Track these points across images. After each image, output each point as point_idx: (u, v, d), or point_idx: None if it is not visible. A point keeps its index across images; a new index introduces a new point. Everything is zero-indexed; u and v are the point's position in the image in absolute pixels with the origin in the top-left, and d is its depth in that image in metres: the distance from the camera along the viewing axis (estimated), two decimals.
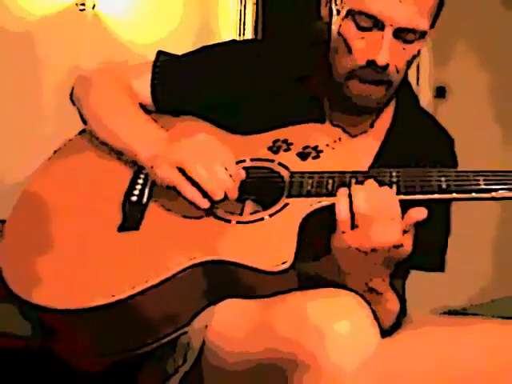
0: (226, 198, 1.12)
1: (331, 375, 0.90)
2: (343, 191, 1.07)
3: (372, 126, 1.29)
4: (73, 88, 1.36)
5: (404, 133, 1.28)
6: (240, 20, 3.23)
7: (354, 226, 1.05)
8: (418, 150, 1.24)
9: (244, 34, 3.23)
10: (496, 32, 3.32)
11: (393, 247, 1.04)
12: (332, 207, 1.08)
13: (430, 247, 1.17)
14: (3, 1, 2.64)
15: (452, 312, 2.86)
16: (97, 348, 1.09)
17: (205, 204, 1.12)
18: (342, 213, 1.06)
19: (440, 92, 3.28)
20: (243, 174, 1.15)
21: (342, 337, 0.90)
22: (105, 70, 1.40)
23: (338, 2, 1.19)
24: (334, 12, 1.21)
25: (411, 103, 1.34)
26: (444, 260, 1.28)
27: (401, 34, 1.15)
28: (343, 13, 1.17)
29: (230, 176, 1.12)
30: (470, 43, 3.39)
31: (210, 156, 1.12)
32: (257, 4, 3.26)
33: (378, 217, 1.04)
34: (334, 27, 1.21)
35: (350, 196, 1.06)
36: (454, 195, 1.07)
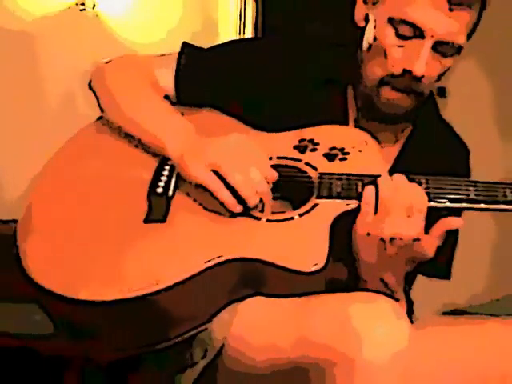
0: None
1: (365, 373, 0.89)
2: (370, 186, 1.09)
3: (397, 139, 1.30)
4: (92, 74, 1.33)
5: (422, 141, 1.29)
6: (240, 20, 3.23)
7: (376, 212, 1.06)
8: (434, 158, 1.24)
9: (244, 34, 3.22)
10: (496, 32, 3.32)
11: (412, 241, 1.05)
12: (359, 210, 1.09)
13: (438, 256, 1.17)
14: (3, 1, 2.64)
15: (452, 312, 2.86)
16: (118, 342, 1.08)
17: (238, 209, 1.10)
18: (367, 197, 1.07)
19: (440, 92, 3.28)
20: (276, 175, 1.13)
21: (382, 340, 0.90)
22: (126, 57, 1.37)
23: (378, 8, 1.19)
24: (371, 17, 1.20)
25: (432, 111, 1.34)
26: (451, 269, 1.30)
27: (439, 46, 1.15)
28: (383, 19, 1.16)
29: (265, 179, 1.11)
30: (470, 43, 3.39)
31: (246, 159, 1.11)
32: (257, 4, 3.26)
33: (402, 206, 1.05)
34: (370, 33, 1.19)
35: (376, 185, 1.07)
36: (482, 205, 1.08)
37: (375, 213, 1.06)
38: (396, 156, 1.27)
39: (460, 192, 1.09)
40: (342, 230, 1.09)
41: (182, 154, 1.13)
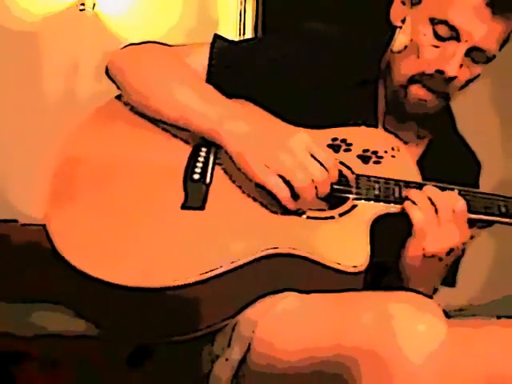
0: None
1: (404, 373, 0.89)
2: (409, 203, 1.11)
3: (420, 138, 1.31)
4: (110, 61, 1.28)
5: (439, 151, 1.30)
6: (240, 20, 3.23)
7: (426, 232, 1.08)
8: (448, 169, 1.25)
9: (244, 34, 3.23)
10: None
11: (462, 245, 1.10)
12: (399, 214, 1.11)
13: None
14: (4, 1, 2.64)
15: (458, 313, 2.85)
16: (146, 330, 1.06)
17: (294, 207, 1.09)
18: (418, 218, 1.08)
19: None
20: (337, 176, 1.11)
21: (422, 339, 0.90)
22: (150, 45, 1.32)
23: (417, 8, 1.20)
24: (409, 19, 1.20)
25: (449, 123, 1.35)
26: (456, 277, 1.32)
27: (472, 52, 1.16)
28: (422, 18, 1.17)
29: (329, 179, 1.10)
30: None
31: (315, 165, 1.08)
32: (257, 4, 3.26)
33: (448, 218, 1.08)
34: (406, 32, 1.20)
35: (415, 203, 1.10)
36: (510, 220, 1.13)
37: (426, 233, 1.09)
38: (417, 161, 1.28)
39: (493, 205, 1.13)
40: (380, 232, 1.10)
41: (243, 149, 1.08)
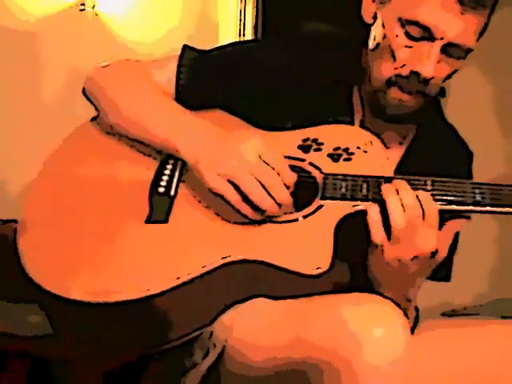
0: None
1: (366, 378, 0.88)
2: (374, 209, 1.06)
3: (404, 138, 1.28)
4: (86, 81, 1.31)
5: (426, 143, 1.27)
6: (240, 20, 3.23)
7: (389, 238, 1.04)
8: (437, 160, 1.22)
9: (244, 34, 3.22)
10: (496, 31, 3.32)
11: (431, 253, 1.03)
12: (366, 212, 1.07)
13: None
14: (3, 1, 2.64)
15: (453, 314, 2.86)
16: (119, 344, 1.07)
17: (257, 217, 1.09)
18: (378, 233, 1.05)
19: (440, 92, 3.28)
20: (295, 178, 1.11)
21: (378, 342, 0.88)
22: (121, 62, 1.34)
23: (386, 7, 1.17)
24: (379, 16, 1.17)
25: (436, 113, 1.32)
26: (451, 271, 1.28)
27: (448, 48, 1.13)
28: (393, 18, 1.14)
29: (286, 186, 1.09)
30: None
31: (264, 167, 1.08)
32: (257, 4, 3.26)
33: (416, 222, 1.03)
34: (379, 31, 1.17)
35: (382, 205, 1.05)
36: (488, 208, 1.07)
37: (388, 238, 1.04)
38: (401, 157, 1.26)
39: (466, 195, 1.07)
40: (347, 231, 1.08)
41: (198, 157, 1.11)
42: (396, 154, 1.26)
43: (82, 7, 2.80)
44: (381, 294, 1.06)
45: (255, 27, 3.25)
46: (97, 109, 1.28)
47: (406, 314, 0.95)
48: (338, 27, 1.28)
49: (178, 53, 1.31)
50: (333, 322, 0.92)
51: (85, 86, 1.30)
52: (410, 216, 1.03)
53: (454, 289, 2.96)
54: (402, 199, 1.04)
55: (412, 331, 1.16)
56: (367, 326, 0.89)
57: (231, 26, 3.22)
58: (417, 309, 1.20)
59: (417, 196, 1.05)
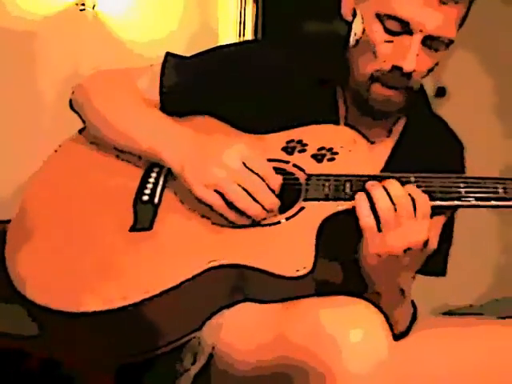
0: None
1: (345, 383, 0.88)
2: (362, 197, 1.05)
3: (390, 133, 1.27)
4: (72, 94, 1.32)
5: (416, 137, 1.27)
6: (240, 20, 3.23)
7: (380, 229, 1.03)
8: (428, 154, 1.22)
9: (244, 35, 3.22)
10: (496, 31, 3.32)
11: (424, 244, 1.03)
12: (350, 211, 1.06)
13: (433, 253, 1.16)
14: (3, 1, 2.64)
15: (452, 312, 2.86)
16: (106, 352, 1.08)
17: (246, 222, 1.09)
18: (366, 218, 1.03)
19: (440, 92, 3.29)
20: (280, 181, 1.11)
21: (356, 345, 0.88)
22: (107, 72, 1.35)
23: (364, 3, 1.16)
24: (358, 12, 1.17)
25: (423, 106, 1.32)
26: (446, 265, 1.28)
27: (429, 41, 1.13)
28: (371, 14, 1.14)
29: (271, 189, 1.09)
30: (469, 42, 3.39)
31: (249, 174, 1.08)
32: (257, 4, 3.26)
33: (407, 215, 1.02)
34: (358, 27, 1.17)
35: (370, 199, 1.04)
36: (473, 202, 1.06)
37: (379, 230, 1.03)
38: (390, 153, 1.26)
39: (450, 190, 1.06)
40: (335, 230, 1.08)
41: (183, 166, 1.11)
42: (384, 150, 1.26)
43: (82, 7, 2.80)
44: (373, 293, 1.07)
45: (255, 27, 3.26)
46: (83, 121, 1.29)
47: (384, 314, 0.94)
48: (337, 28, 1.28)
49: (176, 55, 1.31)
50: (311, 326, 0.92)
51: (71, 99, 1.32)
52: (400, 206, 1.02)
53: (454, 289, 2.96)
54: (390, 191, 1.04)
55: (410, 328, 1.17)
56: (344, 329, 0.89)
57: (231, 27, 3.22)
58: (414, 306, 1.20)
59: (405, 189, 1.04)
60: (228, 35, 3.19)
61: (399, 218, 1.02)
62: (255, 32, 3.25)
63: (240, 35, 3.22)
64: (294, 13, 3.09)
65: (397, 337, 1.14)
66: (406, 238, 1.02)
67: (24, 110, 2.66)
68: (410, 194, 1.03)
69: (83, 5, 2.80)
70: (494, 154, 3.20)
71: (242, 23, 3.24)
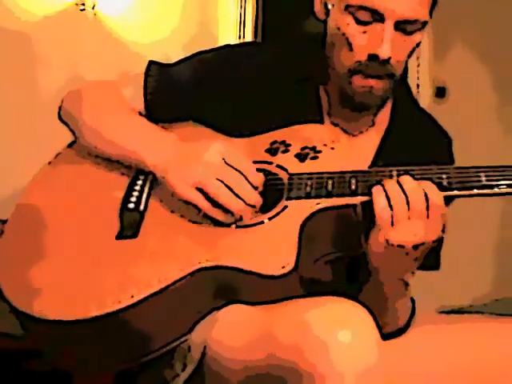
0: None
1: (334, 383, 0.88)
2: (379, 189, 1.05)
3: (373, 123, 1.28)
4: (60, 107, 1.33)
5: (402, 131, 1.27)
6: (240, 21, 3.23)
7: (392, 223, 1.03)
8: (415, 148, 1.22)
9: (244, 36, 3.23)
10: (496, 30, 3.32)
11: (433, 242, 1.03)
12: (333, 208, 1.07)
13: None
14: (3, 1, 2.64)
15: (452, 312, 2.85)
16: (97, 360, 1.08)
17: (230, 220, 1.10)
18: (383, 210, 1.03)
19: (440, 92, 3.29)
20: (263, 178, 1.12)
21: (344, 345, 0.88)
22: (93, 83, 1.38)
23: None
24: (330, 7, 1.18)
25: (408, 101, 1.32)
26: (439, 258, 1.28)
27: (401, 25, 1.13)
28: (340, 8, 1.14)
29: (253, 186, 1.10)
30: (469, 42, 3.39)
31: (231, 171, 1.10)
32: (257, 5, 3.26)
33: (420, 211, 1.02)
34: (332, 23, 1.18)
35: (386, 192, 1.04)
36: (456, 192, 1.06)
37: (392, 224, 1.02)
38: (376, 150, 1.26)
39: (432, 181, 1.05)
40: (324, 227, 1.08)
41: (166, 169, 1.13)
42: (370, 145, 1.26)
43: (82, 7, 2.80)
44: (375, 284, 1.07)
45: (255, 28, 3.26)
46: (73, 132, 1.30)
47: (372, 314, 0.94)
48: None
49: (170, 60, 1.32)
50: (299, 326, 0.92)
51: (61, 112, 1.33)
52: (413, 200, 1.02)
53: (454, 289, 2.96)
54: (403, 184, 1.04)
55: (408, 324, 1.17)
56: (332, 329, 0.90)
57: (231, 28, 3.23)
58: (413, 300, 1.21)
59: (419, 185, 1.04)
60: (228, 36, 3.19)
61: (411, 212, 1.02)
62: (255, 32, 3.26)
63: (240, 36, 3.22)
64: (294, 13, 3.09)
65: (396, 332, 1.16)
66: (419, 235, 1.02)
67: (24, 109, 2.66)
68: (424, 191, 1.03)
69: (83, 5, 2.81)
70: (493, 154, 3.20)
71: (242, 24, 3.24)
